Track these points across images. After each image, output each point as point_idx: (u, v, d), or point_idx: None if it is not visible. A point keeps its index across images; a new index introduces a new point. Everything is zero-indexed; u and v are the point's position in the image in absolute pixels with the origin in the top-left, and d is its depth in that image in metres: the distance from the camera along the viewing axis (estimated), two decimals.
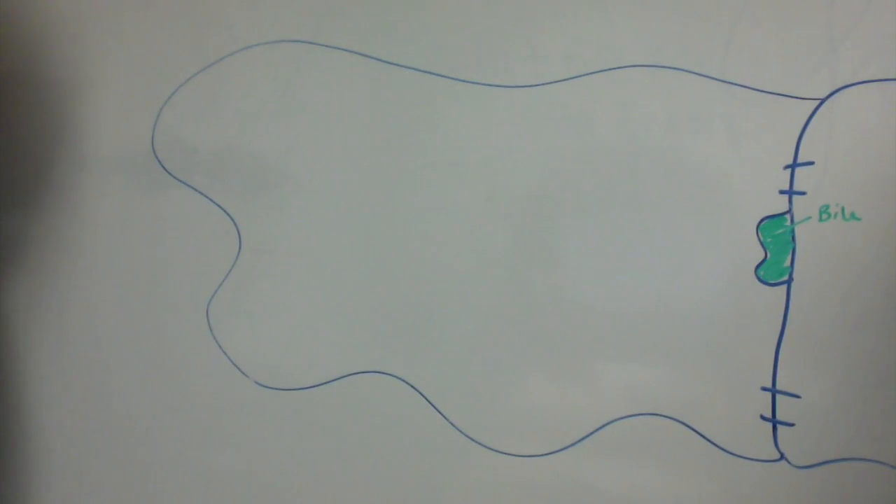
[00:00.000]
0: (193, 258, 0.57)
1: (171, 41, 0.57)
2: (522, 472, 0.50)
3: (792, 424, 0.45)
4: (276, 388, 0.55)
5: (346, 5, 0.53)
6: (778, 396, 0.45)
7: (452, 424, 0.51)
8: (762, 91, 0.45)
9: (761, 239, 0.45)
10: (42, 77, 0.60)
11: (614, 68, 0.47)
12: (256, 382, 0.55)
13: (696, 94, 0.46)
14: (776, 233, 0.45)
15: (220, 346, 0.56)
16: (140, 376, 0.58)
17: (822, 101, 0.44)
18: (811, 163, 0.44)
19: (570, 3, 0.48)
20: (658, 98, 0.47)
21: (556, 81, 0.49)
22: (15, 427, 0.62)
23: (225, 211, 0.56)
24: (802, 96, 0.44)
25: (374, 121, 0.53)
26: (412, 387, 0.52)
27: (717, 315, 0.46)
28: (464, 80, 0.51)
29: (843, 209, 0.43)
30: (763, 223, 0.45)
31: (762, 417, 0.45)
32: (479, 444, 0.51)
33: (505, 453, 0.50)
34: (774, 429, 0.45)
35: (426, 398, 0.52)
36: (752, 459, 0.46)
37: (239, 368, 0.56)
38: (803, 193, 0.44)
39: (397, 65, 0.52)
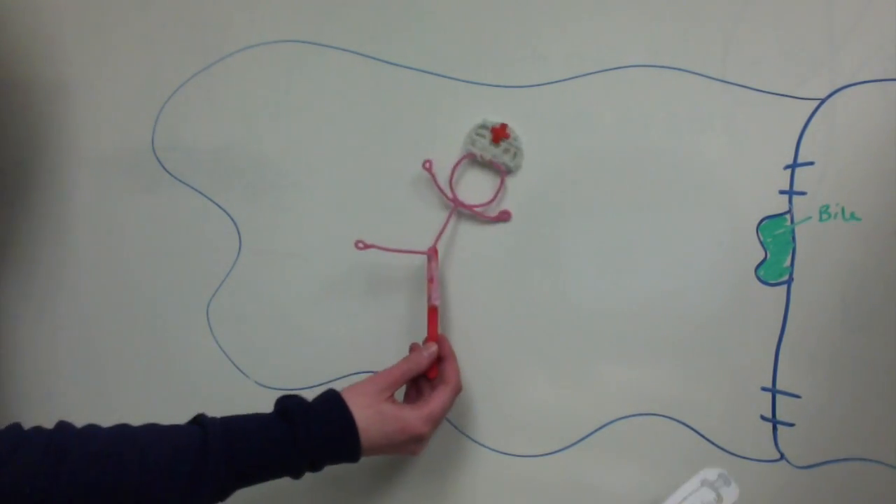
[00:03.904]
0: (193, 258, 0.57)
1: (171, 41, 0.57)
2: (523, 472, 0.50)
3: (792, 424, 0.45)
4: (276, 388, 0.55)
5: (346, 5, 0.53)
6: (778, 396, 0.45)
7: (453, 424, 0.51)
8: (762, 91, 0.45)
9: (761, 239, 0.45)
10: (42, 77, 0.60)
11: (615, 68, 0.47)
12: (256, 382, 0.55)
13: (696, 94, 0.46)
14: (776, 233, 0.45)
15: (220, 346, 0.56)
16: (140, 376, 0.58)
17: (822, 101, 0.44)
18: (811, 163, 0.44)
19: (571, 4, 0.48)
20: (658, 98, 0.47)
21: (556, 81, 0.49)
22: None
23: (225, 211, 0.56)
24: (802, 96, 0.44)
25: (374, 121, 0.53)
26: None
27: (718, 315, 0.46)
28: (464, 80, 0.51)
29: (843, 209, 0.43)
30: (763, 223, 0.45)
31: (762, 417, 0.45)
32: (481, 444, 0.51)
33: (506, 453, 0.50)
34: (774, 429, 0.45)
35: None
36: (752, 459, 0.46)
37: (239, 368, 0.56)
38: (803, 193, 0.44)
39: (397, 65, 0.52)
